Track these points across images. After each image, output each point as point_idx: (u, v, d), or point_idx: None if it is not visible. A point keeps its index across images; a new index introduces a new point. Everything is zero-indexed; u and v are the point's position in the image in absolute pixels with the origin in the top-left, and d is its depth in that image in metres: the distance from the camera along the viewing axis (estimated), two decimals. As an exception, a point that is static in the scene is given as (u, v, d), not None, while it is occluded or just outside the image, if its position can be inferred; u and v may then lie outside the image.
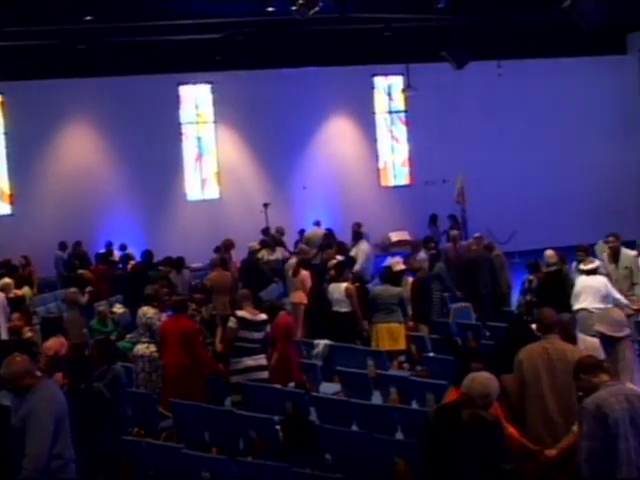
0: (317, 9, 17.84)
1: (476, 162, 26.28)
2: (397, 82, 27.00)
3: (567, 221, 26.44)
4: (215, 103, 25.82)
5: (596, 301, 11.60)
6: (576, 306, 11.72)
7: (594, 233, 17.33)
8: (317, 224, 22.18)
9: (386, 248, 24.31)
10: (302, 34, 22.71)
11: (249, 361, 10.72)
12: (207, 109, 25.96)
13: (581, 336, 8.25)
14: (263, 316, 10.91)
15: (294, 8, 17.95)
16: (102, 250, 22.01)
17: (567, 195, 27.39)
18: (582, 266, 11.98)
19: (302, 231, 22.40)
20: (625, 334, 8.85)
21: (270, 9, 19.39)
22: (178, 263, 16.67)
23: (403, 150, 27.49)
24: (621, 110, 28.38)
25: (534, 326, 7.92)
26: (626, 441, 5.70)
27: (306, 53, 24.72)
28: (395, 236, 25.38)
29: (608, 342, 8.42)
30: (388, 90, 27.32)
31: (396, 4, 21.05)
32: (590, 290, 11.64)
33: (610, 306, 11.93)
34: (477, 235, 16.96)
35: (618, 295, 11.99)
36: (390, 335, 12.48)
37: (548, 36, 25.69)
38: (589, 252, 12.46)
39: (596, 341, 8.30)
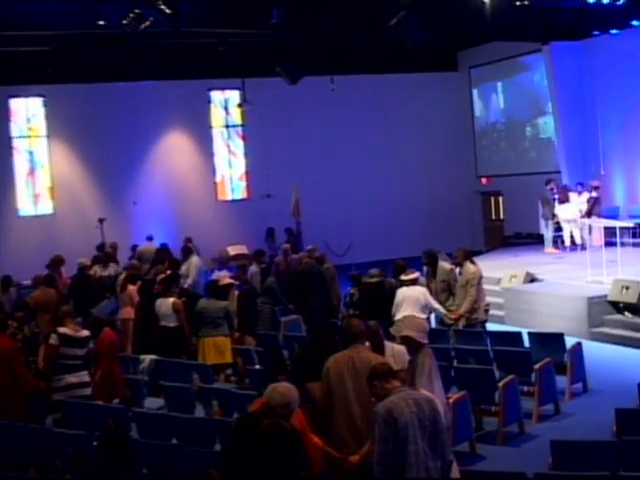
0: (148, 23, 17.89)
1: (313, 175, 26.80)
2: (233, 96, 27.27)
3: (403, 233, 27.23)
4: (47, 117, 25.42)
5: (416, 310, 11.98)
6: (397, 316, 12.08)
7: (429, 245, 17.92)
8: (150, 239, 22.13)
9: (224, 262, 24.45)
10: (136, 48, 22.61)
11: (71, 378, 10.63)
12: (39, 123, 25.54)
13: (389, 344, 8.57)
14: (85, 332, 10.85)
15: (125, 22, 17.94)
16: None
17: (403, 208, 28.19)
18: (402, 277, 12.38)
19: (135, 247, 22.26)
20: (426, 340, 9.31)
21: (101, 22, 19.24)
22: (4, 281, 16.32)
23: (240, 164, 27.75)
24: (453, 125, 29.42)
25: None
26: (415, 443, 6.01)
27: (141, 67, 24.68)
28: (233, 250, 25.55)
29: (413, 347, 8.84)
30: (225, 104, 27.55)
31: (231, 19, 21.22)
32: (410, 300, 12.02)
33: (427, 315, 12.46)
34: (309, 248, 17.27)
35: (437, 305, 12.45)
36: (217, 349, 12.62)
37: (382, 53, 26.39)
38: (405, 267, 12.86)
39: (403, 348, 8.68)
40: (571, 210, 21.18)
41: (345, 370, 7.50)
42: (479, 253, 25.17)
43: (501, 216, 29.34)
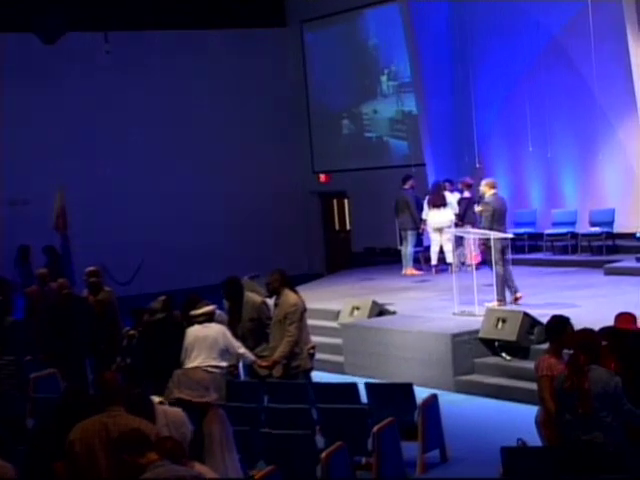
0: None
1: (84, 172, 26.51)
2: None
3: (211, 253, 27.22)
4: None
5: (212, 357, 12.09)
6: (187, 364, 12.15)
7: (246, 268, 17.99)
8: None
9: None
10: None
11: None
12: None
13: (161, 407, 8.65)
14: None
15: None
16: None
17: (213, 218, 28.17)
18: (193, 312, 12.45)
19: None
20: (212, 399, 9.40)
21: None
22: None
23: (-22, 156, 27.36)
24: (281, 101, 29.56)
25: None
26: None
27: None
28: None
29: (195, 412, 8.91)
30: (-45, 70, 27.10)
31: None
32: (204, 342, 12.12)
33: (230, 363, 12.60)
34: (89, 269, 17.11)
35: (243, 349, 12.58)
36: None
37: (180, 2, 26.47)
38: (197, 301, 12.94)
39: (182, 414, 8.75)
40: (447, 216, 21.60)
41: (97, 442, 7.58)
42: (319, 276, 25.57)
43: (347, 226, 29.77)
